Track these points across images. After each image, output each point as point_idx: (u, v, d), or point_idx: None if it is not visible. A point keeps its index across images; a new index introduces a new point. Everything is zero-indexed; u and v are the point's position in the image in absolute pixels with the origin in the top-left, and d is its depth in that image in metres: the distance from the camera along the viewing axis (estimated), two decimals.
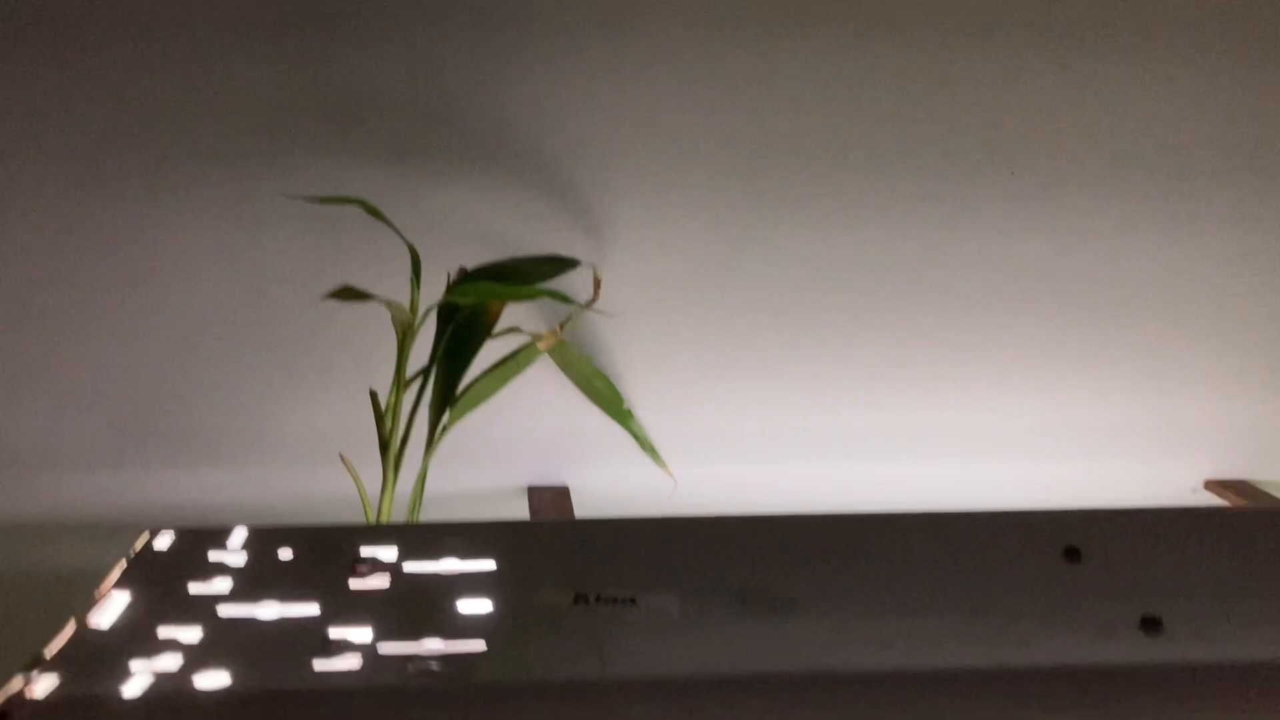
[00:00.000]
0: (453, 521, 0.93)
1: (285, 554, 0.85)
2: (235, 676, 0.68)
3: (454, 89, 1.28)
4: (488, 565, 0.83)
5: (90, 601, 0.78)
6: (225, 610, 0.77)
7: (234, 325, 1.30)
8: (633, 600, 0.77)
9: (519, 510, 1.39)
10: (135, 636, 0.73)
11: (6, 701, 0.65)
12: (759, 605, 0.78)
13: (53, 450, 1.31)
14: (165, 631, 0.73)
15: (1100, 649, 0.73)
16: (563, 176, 1.32)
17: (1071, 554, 0.86)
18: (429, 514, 1.24)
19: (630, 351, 1.38)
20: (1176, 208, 1.40)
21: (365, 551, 0.85)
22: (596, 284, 1.23)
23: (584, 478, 1.42)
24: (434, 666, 0.70)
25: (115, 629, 0.74)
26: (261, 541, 0.87)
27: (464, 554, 0.84)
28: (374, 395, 1.15)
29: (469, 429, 1.23)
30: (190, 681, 0.67)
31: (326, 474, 1.22)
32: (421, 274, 1.16)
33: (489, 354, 1.19)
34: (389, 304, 1.09)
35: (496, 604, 0.77)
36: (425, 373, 1.17)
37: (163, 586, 0.80)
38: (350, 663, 0.70)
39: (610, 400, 1.36)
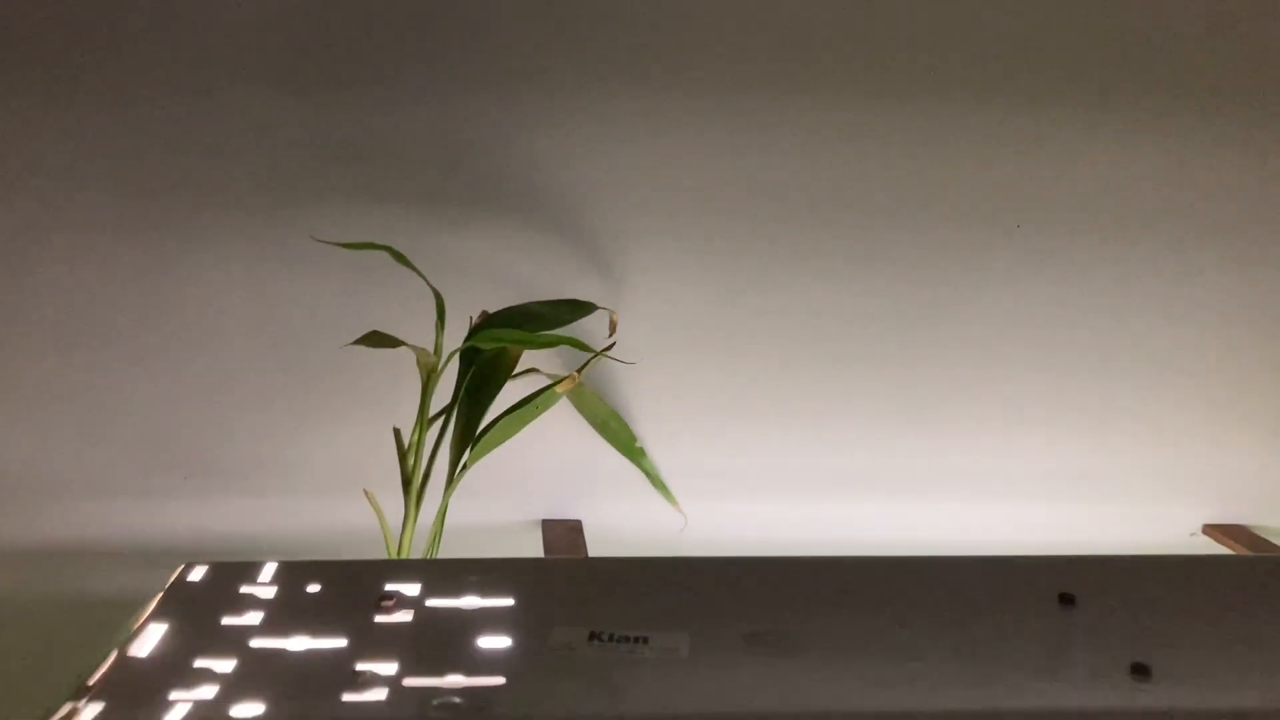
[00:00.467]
0: (473, 559, 0.97)
1: (313, 588, 0.89)
2: (268, 707, 0.72)
3: (477, 140, 1.33)
4: (506, 602, 0.87)
5: (127, 631, 0.82)
6: (256, 642, 0.81)
7: (263, 363, 1.35)
8: (645, 640, 0.81)
9: (533, 542, 1.43)
10: (173, 667, 0.77)
11: None
12: (764, 646, 0.81)
13: (85, 479, 1.36)
14: (200, 662, 0.78)
15: (1090, 694, 0.76)
16: (580, 223, 1.37)
17: (1066, 600, 0.89)
18: (447, 544, 1.28)
19: (643, 392, 1.43)
20: (1177, 259, 1.44)
21: (390, 586, 0.89)
22: (613, 326, 1.28)
23: (597, 513, 1.46)
24: (455, 700, 0.73)
25: (153, 659, 0.79)
26: (290, 575, 0.91)
27: (484, 591, 0.88)
28: (397, 433, 1.19)
29: (487, 465, 1.27)
30: (226, 712, 0.71)
31: (350, 508, 1.26)
32: (445, 317, 1.21)
33: (509, 394, 1.23)
34: (415, 350, 1.14)
35: (514, 640, 0.81)
36: (447, 412, 1.22)
37: (197, 618, 0.84)
38: (376, 695, 0.74)
39: (624, 439, 1.40)
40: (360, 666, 0.77)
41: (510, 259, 1.37)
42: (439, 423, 1.22)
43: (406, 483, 1.19)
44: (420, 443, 1.19)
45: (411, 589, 0.89)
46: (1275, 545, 1.45)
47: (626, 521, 1.45)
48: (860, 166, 1.39)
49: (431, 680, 0.76)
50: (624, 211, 1.38)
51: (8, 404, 1.34)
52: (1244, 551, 1.42)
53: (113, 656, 0.78)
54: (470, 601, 0.87)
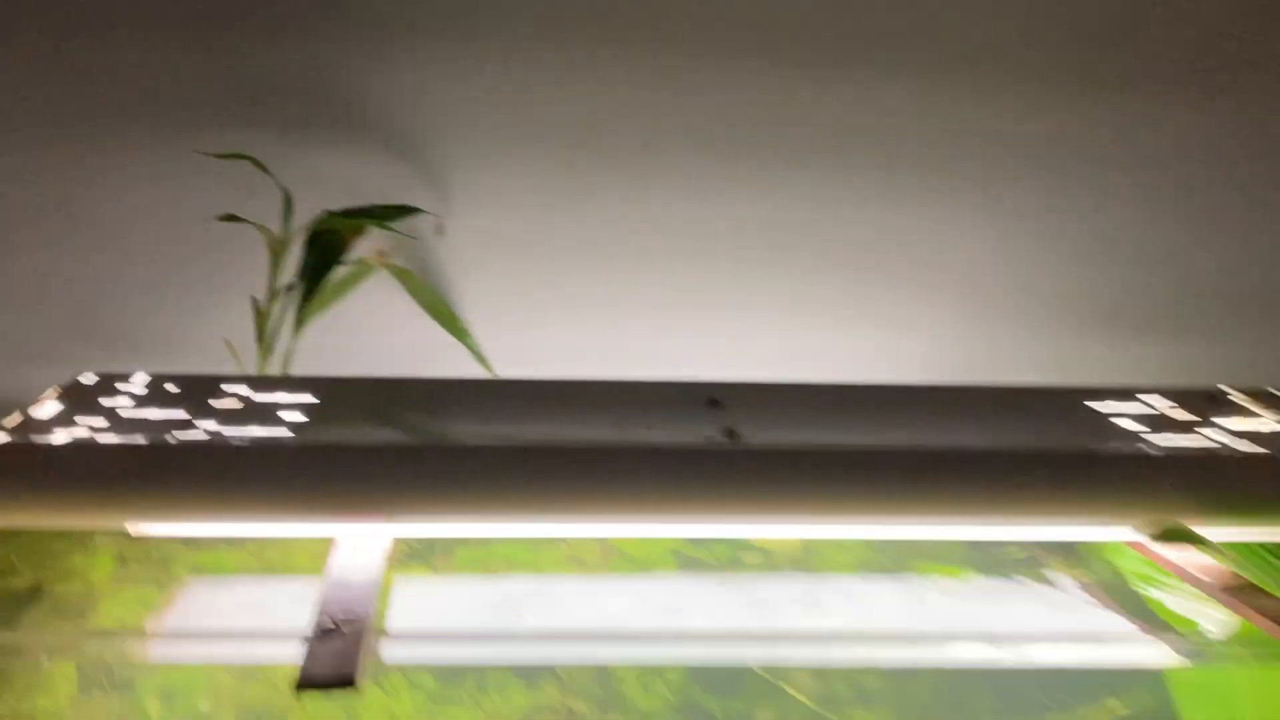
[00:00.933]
0: (291, 375, 1.32)
1: (171, 387, 1.24)
2: (124, 440, 1.07)
3: (339, 75, 1.67)
4: (308, 398, 1.23)
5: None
6: (125, 413, 1.16)
7: (153, 249, 1.69)
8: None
9: None
10: (60, 421, 1.12)
11: None
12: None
13: (6, 345, 1.70)
14: (82, 420, 1.12)
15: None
16: (419, 145, 1.72)
17: (713, 403, 1.27)
18: None
19: (470, 284, 1.78)
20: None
21: (227, 388, 1.24)
22: (439, 228, 1.63)
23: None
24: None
25: (48, 418, 1.13)
26: (156, 381, 1.26)
27: (290, 389, 1.24)
28: (254, 300, 1.54)
29: (341, 344, 1.62)
30: (96, 439, 1.07)
31: (218, 361, 1.61)
32: (294, 212, 1.55)
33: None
34: (261, 229, 1.49)
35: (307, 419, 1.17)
36: (293, 286, 1.56)
37: (82, 398, 1.19)
38: (199, 436, 1.09)
39: (450, 320, 1.76)
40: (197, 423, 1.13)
41: (361, 173, 1.72)
42: (293, 295, 1.57)
43: (260, 337, 1.54)
44: (270, 309, 1.54)
45: (245, 391, 1.24)
46: None
47: None
48: (650, 102, 1.75)
49: (240, 430, 1.11)
50: (461, 137, 1.73)
51: None
52: None
53: (17, 415, 1.13)
54: (279, 397, 1.23)
